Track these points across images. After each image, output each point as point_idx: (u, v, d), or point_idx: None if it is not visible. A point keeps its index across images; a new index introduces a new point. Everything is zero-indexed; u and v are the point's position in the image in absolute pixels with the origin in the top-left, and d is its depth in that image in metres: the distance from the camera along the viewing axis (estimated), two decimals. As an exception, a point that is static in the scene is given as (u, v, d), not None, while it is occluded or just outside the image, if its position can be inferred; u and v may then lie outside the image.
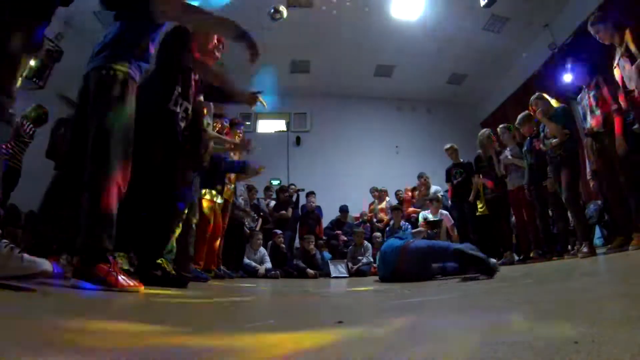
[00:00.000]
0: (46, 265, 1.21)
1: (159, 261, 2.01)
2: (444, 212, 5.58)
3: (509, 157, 4.37)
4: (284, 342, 0.72)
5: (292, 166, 8.79)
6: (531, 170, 4.05)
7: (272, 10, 6.12)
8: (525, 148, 4.18)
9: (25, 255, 1.19)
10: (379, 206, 7.17)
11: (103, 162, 1.60)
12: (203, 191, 3.62)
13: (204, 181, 3.48)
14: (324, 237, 6.82)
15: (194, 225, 3.29)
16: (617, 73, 3.08)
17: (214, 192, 3.81)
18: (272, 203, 6.85)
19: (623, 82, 3.03)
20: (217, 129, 3.89)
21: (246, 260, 5.31)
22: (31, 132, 4.17)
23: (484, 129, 5.13)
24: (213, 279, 3.64)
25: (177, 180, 2.26)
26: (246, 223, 5.51)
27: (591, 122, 3.28)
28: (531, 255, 4.07)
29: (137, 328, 0.85)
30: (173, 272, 2.12)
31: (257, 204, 6.51)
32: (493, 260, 2.56)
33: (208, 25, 1.97)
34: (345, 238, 6.73)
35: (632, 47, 2.86)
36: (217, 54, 2.56)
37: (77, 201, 1.72)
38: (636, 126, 3.00)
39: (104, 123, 1.64)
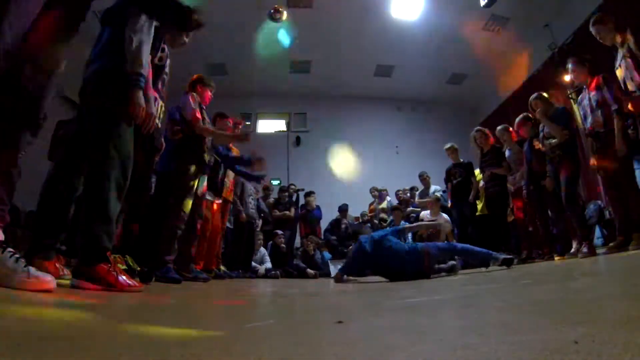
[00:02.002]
0: (51, 283, 1.21)
1: (125, 258, 2.03)
2: (445, 215, 5.57)
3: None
4: (284, 342, 0.72)
5: (292, 166, 8.79)
6: (530, 170, 4.05)
7: (272, 11, 6.12)
8: (525, 149, 4.18)
9: (32, 270, 1.19)
10: (380, 206, 7.17)
11: (102, 163, 1.61)
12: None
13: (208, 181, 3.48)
14: (321, 238, 6.83)
15: (198, 226, 3.30)
16: (618, 74, 3.07)
17: (212, 192, 3.81)
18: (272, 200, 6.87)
19: (624, 82, 3.02)
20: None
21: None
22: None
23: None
24: (213, 279, 3.64)
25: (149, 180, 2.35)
26: (255, 223, 5.51)
27: (591, 122, 3.28)
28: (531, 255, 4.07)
29: (137, 328, 0.85)
30: (138, 268, 2.14)
31: (257, 204, 6.51)
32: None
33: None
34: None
35: (634, 48, 2.85)
36: (185, 39, 2.61)
37: (72, 197, 1.74)
38: (631, 129, 3.00)
39: (103, 124, 1.66)
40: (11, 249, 1.20)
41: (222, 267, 4.42)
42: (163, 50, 2.33)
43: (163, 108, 2.38)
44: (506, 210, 4.63)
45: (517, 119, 4.24)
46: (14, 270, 1.16)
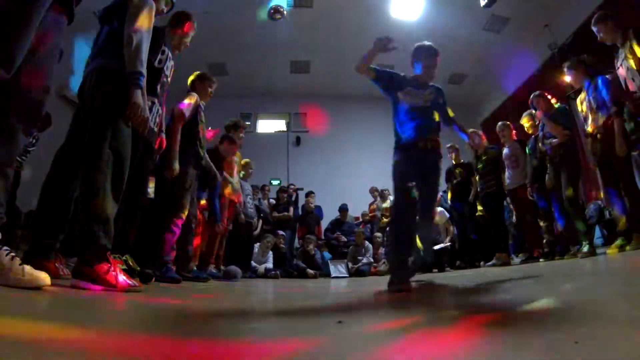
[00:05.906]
0: (45, 280, 1.22)
1: (124, 257, 2.02)
2: (439, 208, 5.57)
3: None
4: (284, 342, 0.72)
5: (292, 166, 8.79)
6: (534, 169, 4.03)
7: (272, 11, 6.12)
8: (529, 146, 4.16)
9: (27, 268, 1.19)
10: (383, 205, 7.14)
11: (98, 163, 1.60)
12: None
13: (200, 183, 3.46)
14: (322, 238, 6.82)
15: (193, 225, 3.29)
16: (620, 74, 3.06)
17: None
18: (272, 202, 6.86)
19: (625, 83, 3.01)
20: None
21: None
22: (34, 141, 4.21)
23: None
24: (213, 279, 3.64)
25: (145, 179, 2.34)
26: (253, 223, 5.49)
27: (591, 123, 3.27)
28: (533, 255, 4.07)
29: (137, 328, 0.85)
30: (138, 268, 2.13)
31: (258, 204, 6.51)
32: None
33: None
34: (345, 239, 6.72)
35: (635, 48, 2.84)
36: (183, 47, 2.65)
37: (70, 197, 1.75)
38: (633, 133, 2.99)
39: (100, 123, 1.65)
40: (7, 247, 1.21)
41: (223, 267, 4.42)
42: (163, 52, 2.31)
43: (160, 112, 2.35)
44: (502, 210, 4.62)
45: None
46: (9, 268, 1.17)
